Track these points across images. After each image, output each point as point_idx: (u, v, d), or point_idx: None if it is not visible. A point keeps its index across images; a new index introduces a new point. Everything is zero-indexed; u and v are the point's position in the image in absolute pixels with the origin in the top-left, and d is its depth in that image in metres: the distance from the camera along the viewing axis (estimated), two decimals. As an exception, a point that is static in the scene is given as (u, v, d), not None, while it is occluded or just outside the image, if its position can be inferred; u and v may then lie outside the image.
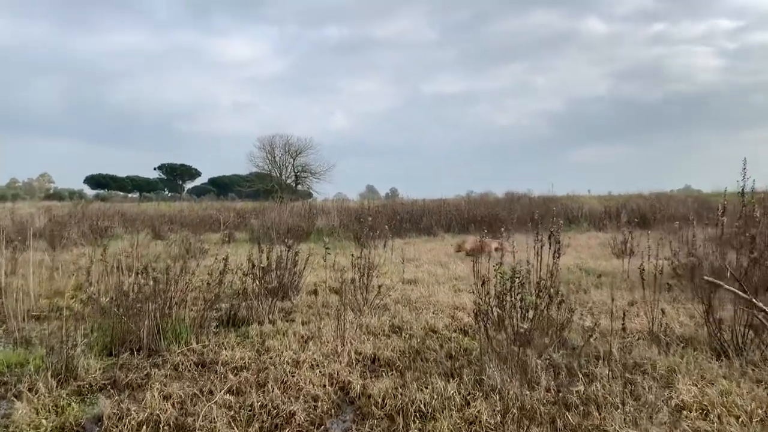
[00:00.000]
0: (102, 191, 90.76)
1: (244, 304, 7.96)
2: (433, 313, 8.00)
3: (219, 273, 7.74)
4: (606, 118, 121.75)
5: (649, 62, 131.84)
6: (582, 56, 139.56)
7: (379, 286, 8.63)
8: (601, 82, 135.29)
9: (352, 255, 9.08)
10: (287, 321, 7.77)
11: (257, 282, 8.52)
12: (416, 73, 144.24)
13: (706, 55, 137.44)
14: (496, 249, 16.76)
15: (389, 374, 5.37)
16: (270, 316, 7.83)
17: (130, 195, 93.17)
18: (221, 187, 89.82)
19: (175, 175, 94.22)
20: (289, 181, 48.64)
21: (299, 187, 51.08)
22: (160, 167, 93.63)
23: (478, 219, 22.23)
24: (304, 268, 9.81)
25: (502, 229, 17.19)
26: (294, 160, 48.29)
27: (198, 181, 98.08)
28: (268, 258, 9.66)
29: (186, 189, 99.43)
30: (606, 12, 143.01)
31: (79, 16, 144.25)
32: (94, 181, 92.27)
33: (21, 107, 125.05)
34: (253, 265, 8.34)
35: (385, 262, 13.23)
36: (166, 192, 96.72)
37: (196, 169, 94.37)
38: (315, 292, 10.01)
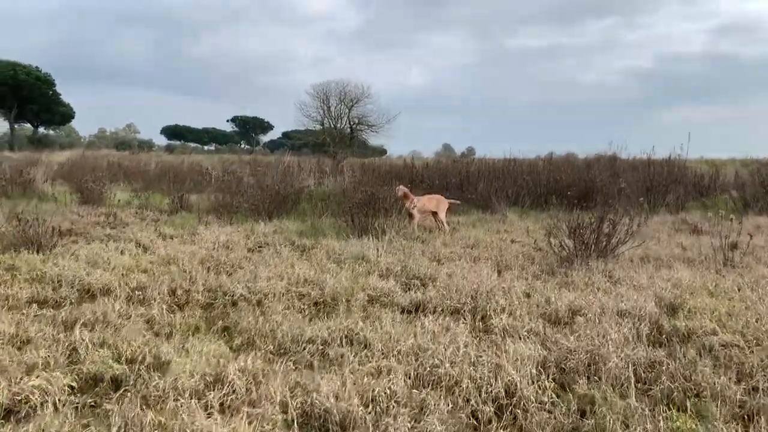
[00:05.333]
0: (177, 142, 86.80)
1: None
2: None
3: None
4: (700, 77, 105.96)
5: (752, 17, 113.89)
6: (678, 10, 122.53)
7: None
8: (696, 39, 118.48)
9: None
10: None
11: None
12: (499, 27, 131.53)
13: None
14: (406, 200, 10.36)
15: None
16: None
17: (206, 147, 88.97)
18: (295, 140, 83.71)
19: (248, 128, 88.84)
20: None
21: (364, 138, 43.59)
22: (233, 119, 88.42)
23: (563, 187, 14.05)
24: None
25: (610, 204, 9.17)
26: (349, 110, 40.58)
27: (272, 135, 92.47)
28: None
29: (262, 142, 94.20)
30: None
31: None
32: (170, 132, 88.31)
33: (111, 59, 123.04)
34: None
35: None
36: (242, 145, 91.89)
37: (268, 122, 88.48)
38: None
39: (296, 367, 3.75)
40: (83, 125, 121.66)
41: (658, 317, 4.89)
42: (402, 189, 10.51)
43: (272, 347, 4.14)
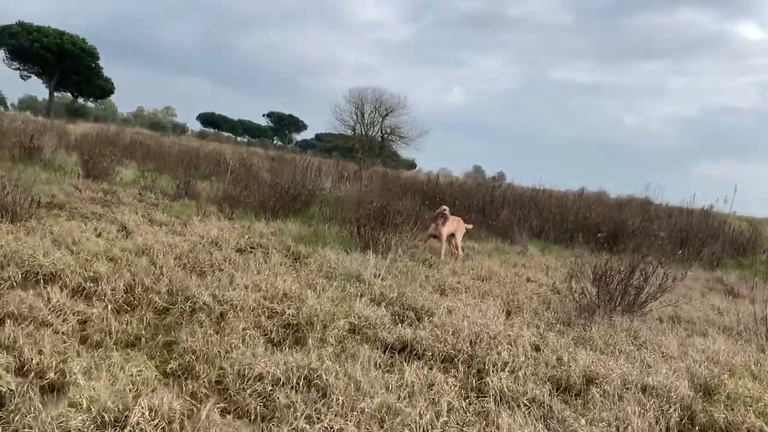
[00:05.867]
0: (211, 130, 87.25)
1: None
2: None
3: None
4: (743, 132, 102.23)
5: None
6: (728, 63, 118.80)
7: None
8: (744, 94, 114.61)
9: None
10: None
11: None
12: (543, 57, 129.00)
13: None
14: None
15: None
16: None
17: (239, 138, 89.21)
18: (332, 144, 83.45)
19: (282, 125, 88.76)
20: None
21: (394, 149, 42.94)
22: (269, 115, 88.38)
23: (592, 225, 13.12)
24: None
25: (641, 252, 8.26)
26: (383, 119, 39.92)
27: (306, 135, 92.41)
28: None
29: (295, 141, 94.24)
30: (765, 17, 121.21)
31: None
32: (206, 119, 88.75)
33: (160, 41, 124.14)
34: None
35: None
36: (275, 141, 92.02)
37: (303, 122, 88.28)
38: None
39: (225, 415, 2.94)
40: (123, 102, 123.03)
41: (692, 401, 3.98)
42: (445, 209, 9.61)
43: (208, 381, 3.33)
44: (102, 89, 67.93)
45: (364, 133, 39.75)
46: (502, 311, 5.98)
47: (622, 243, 12.26)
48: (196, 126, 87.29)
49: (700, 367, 4.78)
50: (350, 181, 14.98)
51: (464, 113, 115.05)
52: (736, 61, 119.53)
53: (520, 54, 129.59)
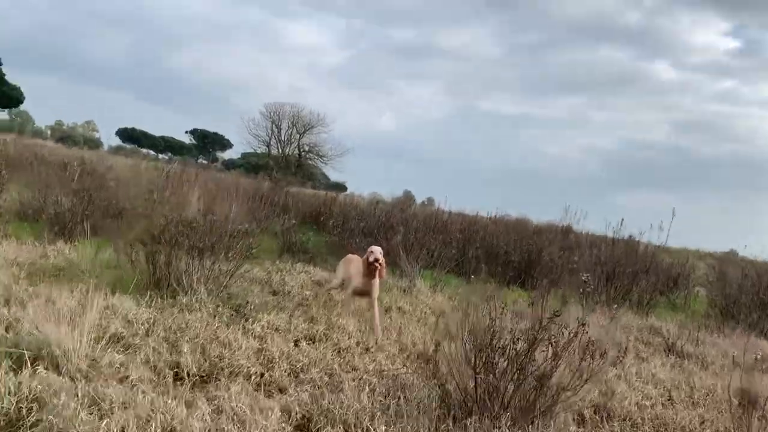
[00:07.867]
0: (131, 146, 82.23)
1: None
2: None
3: None
4: (656, 166, 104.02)
5: (712, 118, 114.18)
6: (644, 100, 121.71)
7: None
8: (658, 129, 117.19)
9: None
10: None
11: None
12: (473, 87, 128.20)
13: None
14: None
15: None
16: None
17: (160, 156, 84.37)
18: (253, 163, 79.43)
19: (206, 142, 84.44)
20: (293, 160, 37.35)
21: (314, 167, 39.75)
22: (192, 132, 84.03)
23: (501, 253, 10.52)
24: None
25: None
26: (300, 136, 36.89)
27: (232, 154, 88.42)
28: None
29: (221, 160, 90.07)
30: (678, 59, 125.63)
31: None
32: (126, 134, 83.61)
33: (86, 56, 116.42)
34: None
35: None
36: (199, 159, 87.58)
37: (228, 140, 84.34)
38: None
39: None
40: (44, 115, 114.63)
41: None
42: (378, 256, 6.19)
43: None
44: (8, 98, 62.71)
45: (280, 150, 36.63)
46: (292, 420, 3.08)
47: (535, 277, 9.72)
48: (116, 141, 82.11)
49: None
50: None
51: (397, 139, 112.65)
52: (650, 98, 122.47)
53: (451, 84, 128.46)
